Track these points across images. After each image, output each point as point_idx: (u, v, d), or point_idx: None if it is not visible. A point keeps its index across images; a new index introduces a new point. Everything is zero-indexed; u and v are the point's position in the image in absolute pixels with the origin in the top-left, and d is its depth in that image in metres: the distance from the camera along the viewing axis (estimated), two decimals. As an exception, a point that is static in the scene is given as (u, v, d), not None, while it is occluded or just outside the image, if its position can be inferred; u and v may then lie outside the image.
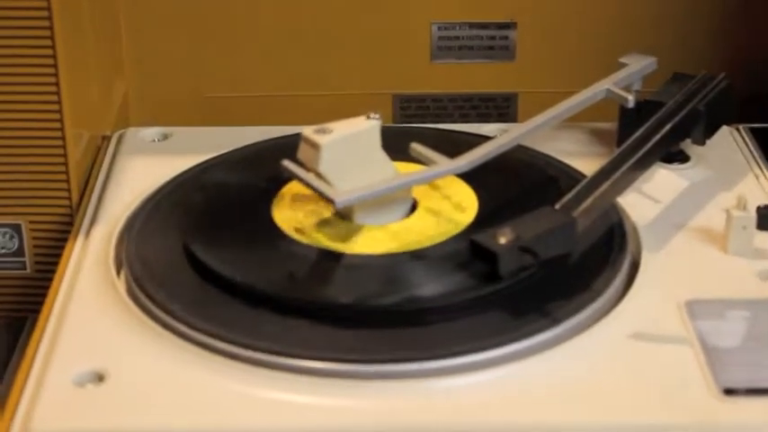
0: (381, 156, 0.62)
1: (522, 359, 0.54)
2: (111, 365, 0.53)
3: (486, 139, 0.64)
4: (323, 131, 0.60)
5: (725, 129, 0.72)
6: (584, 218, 0.59)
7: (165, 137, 0.75)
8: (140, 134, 0.75)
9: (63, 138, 0.66)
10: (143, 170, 0.70)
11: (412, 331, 0.55)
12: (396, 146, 0.63)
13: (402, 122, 0.83)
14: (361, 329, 0.55)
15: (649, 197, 0.66)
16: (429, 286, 0.57)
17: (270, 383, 0.53)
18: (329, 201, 0.58)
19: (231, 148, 0.71)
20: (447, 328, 0.55)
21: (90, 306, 0.58)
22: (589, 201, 0.59)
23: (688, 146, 0.70)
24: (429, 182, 0.62)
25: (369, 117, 0.61)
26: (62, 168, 0.67)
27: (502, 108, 0.83)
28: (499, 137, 0.63)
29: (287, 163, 0.60)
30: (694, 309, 0.57)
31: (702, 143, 0.69)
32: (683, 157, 0.70)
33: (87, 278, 0.60)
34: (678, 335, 0.55)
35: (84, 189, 0.69)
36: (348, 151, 0.60)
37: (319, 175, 0.60)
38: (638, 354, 0.54)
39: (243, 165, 0.69)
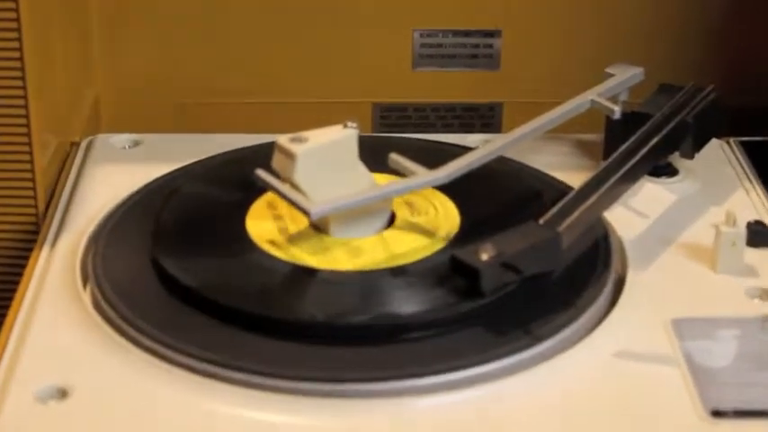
0: (359, 166, 0.62)
1: (503, 378, 0.53)
2: (75, 381, 0.53)
3: (467, 149, 0.64)
4: (298, 140, 0.60)
5: (714, 142, 0.72)
6: (569, 233, 0.58)
7: (137, 144, 0.74)
8: (111, 141, 0.74)
9: (29, 143, 0.66)
10: (113, 178, 0.70)
11: (388, 349, 0.55)
12: (375, 157, 0.63)
13: (382, 132, 0.82)
14: (336, 347, 0.55)
15: (636, 211, 0.66)
16: (407, 303, 0.57)
17: (241, 402, 0.52)
18: (304, 212, 0.58)
19: (205, 156, 0.71)
20: (425, 346, 0.55)
21: (55, 319, 0.57)
22: (574, 215, 0.59)
23: (676, 159, 0.70)
24: (407, 193, 0.62)
25: (346, 126, 0.61)
26: (28, 175, 0.66)
27: (486, 118, 0.83)
28: (481, 147, 0.63)
29: (261, 173, 0.60)
30: (681, 327, 0.57)
31: (691, 156, 0.69)
32: (671, 171, 0.70)
33: (52, 290, 0.60)
34: (664, 354, 0.55)
35: (51, 197, 0.68)
36: (324, 161, 0.60)
37: (294, 186, 0.59)
38: (623, 374, 0.54)
39: (216, 174, 0.69)
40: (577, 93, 0.68)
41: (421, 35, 0.80)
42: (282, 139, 0.60)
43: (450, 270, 0.57)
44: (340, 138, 0.61)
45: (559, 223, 0.58)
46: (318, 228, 0.62)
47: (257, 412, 0.52)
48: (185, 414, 0.52)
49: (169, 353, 0.54)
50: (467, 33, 0.81)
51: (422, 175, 0.60)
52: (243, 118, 0.80)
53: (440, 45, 0.81)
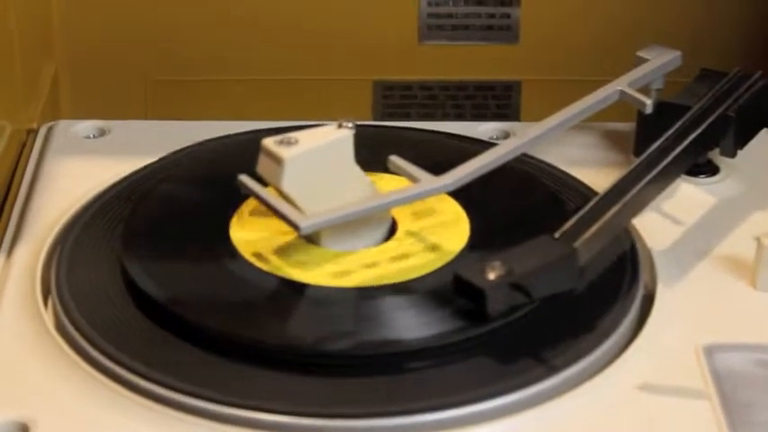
0: (355, 170, 0.64)
1: (513, 414, 0.56)
2: (37, 415, 0.54)
3: (479, 144, 0.66)
4: (287, 142, 0.61)
5: (763, 136, 0.73)
6: (588, 248, 0.60)
7: (103, 132, 0.76)
8: (73, 128, 0.76)
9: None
10: (76, 173, 0.71)
11: (384, 381, 0.57)
12: (375, 151, 0.65)
13: (384, 114, 0.84)
14: (326, 378, 0.57)
15: (669, 217, 0.68)
16: (405, 327, 0.59)
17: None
18: (293, 226, 0.60)
19: (181, 147, 0.73)
20: (424, 378, 0.57)
21: (11, 343, 0.59)
22: (595, 227, 0.61)
23: (718, 155, 0.71)
24: (409, 203, 0.64)
25: (341, 125, 0.63)
26: (-23, 169, 0.66)
27: (502, 98, 0.84)
28: (490, 150, 0.65)
29: (245, 179, 0.62)
30: (715, 355, 0.58)
31: (733, 155, 0.70)
32: (710, 169, 0.72)
33: (8, 308, 0.61)
34: (695, 386, 0.57)
35: (6, 195, 0.69)
36: (316, 166, 0.61)
37: (282, 194, 0.61)
38: (648, 409, 0.56)
39: (197, 169, 0.71)
40: (606, 69, 0.69)
41: (429, 3, 0.82)
42: (269, 142, 0.61)
43: (453, 290, 0.59)
44: (334, 139, 0.62)
45: (576, 237, 0.60)
46: (310, 239, 0.64)
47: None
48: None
49: (140, 382, 0.56)
50: (481, 1, 0.82)
51: (426, 181, 0.62)
52: (227, 99, 0.81)
53: (450, 15, 0.82)
